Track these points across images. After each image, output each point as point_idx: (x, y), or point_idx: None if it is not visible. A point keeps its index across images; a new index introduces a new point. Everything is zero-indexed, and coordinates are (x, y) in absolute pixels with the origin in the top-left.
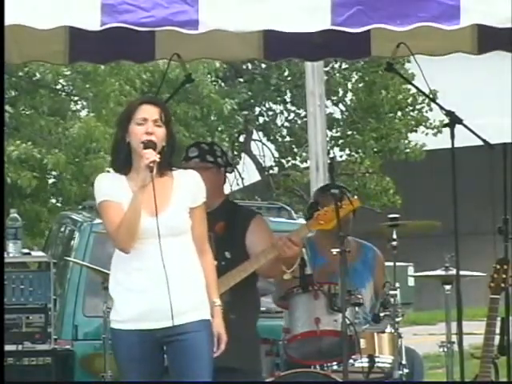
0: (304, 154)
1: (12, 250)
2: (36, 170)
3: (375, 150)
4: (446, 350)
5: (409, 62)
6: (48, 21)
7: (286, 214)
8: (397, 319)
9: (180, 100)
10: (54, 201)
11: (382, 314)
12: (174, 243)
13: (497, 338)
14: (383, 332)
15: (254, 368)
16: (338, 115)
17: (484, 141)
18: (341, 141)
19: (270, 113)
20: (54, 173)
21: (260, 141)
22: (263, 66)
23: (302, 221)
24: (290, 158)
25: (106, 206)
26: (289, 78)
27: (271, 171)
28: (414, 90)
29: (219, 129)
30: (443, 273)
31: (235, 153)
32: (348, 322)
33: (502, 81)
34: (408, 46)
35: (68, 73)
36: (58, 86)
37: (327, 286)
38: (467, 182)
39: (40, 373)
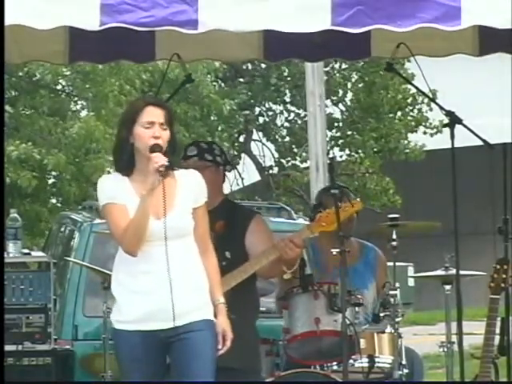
0: (304, 154)
1: (12, 250)
2: (36, 170)
3: (375, 150)
4: (445, 350)
5: (409, 61)
6: (48, 21)
7: (285, 214)
8: (397, 319)
9: (180, 100)
10: (54, 201)
11: (381, 314)
12: (178, 245)
13: (497, 338)
14: (383, 332)
15: (254, 368)
16: (337, 115)
17: (484, 141)
18: (341, 141)
19: (270, 113)
20: (53, 173)
21: (260, 141)
22: (263, 66)
23: (302, 221)
24: (289, 158)
25: (111, 208)
26: (289, 79)
27: (271, 171)
28: (413, 90)
29: (219, 129)
30: (443, 273)
31: (235, 153)
32: (348, 322)
33: (502, 81)
34: (408, 46)
35: (68, 73)
36: (58, 86)
37: (327, 286)
38: (467, 182)
39: (40, 373)
